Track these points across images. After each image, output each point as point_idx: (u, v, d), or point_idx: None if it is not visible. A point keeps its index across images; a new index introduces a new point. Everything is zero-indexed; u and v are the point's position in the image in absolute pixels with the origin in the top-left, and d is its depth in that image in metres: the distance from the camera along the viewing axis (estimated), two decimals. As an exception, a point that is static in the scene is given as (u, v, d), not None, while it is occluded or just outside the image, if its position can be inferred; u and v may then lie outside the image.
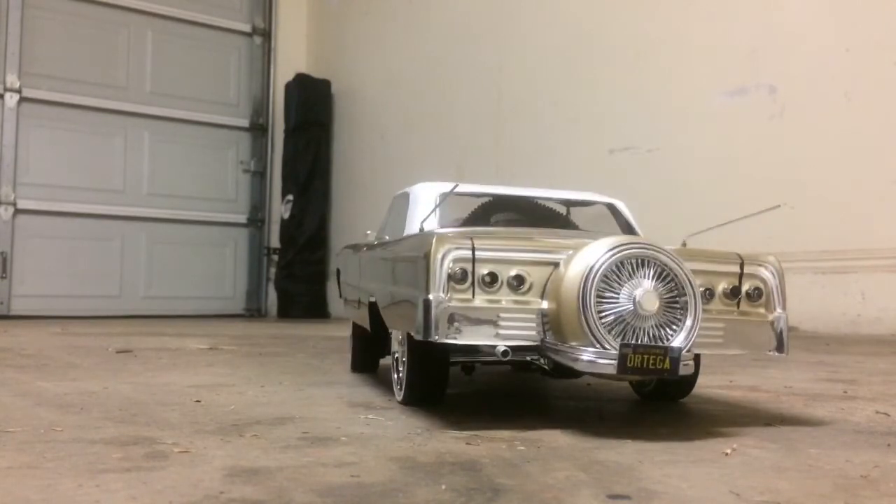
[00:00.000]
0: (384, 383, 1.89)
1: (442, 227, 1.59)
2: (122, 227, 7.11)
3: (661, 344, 1.27)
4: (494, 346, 1.34)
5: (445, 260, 1.37)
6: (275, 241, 7.80)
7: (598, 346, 1.27)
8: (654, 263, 1.33)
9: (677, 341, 1.29)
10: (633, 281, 1.31)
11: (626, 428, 1.33)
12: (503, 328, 1.35)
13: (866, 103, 4.11)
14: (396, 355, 1.61)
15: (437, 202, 1.61)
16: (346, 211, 7.62)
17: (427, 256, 1.37)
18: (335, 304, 7.57)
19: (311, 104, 7.59)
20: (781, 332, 1.47)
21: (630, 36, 5.24)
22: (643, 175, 5.11)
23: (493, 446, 1.16)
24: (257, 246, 7.87)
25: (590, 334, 1.27)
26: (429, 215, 1.64)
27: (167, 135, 7.36)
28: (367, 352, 2.12)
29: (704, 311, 1.37)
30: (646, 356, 1.26)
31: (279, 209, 7.74)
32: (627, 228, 1.84)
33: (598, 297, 1.29)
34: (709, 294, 1.44)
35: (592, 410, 1.54)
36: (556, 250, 1.40)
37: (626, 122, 5.23)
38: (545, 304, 1.37)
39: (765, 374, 2.17)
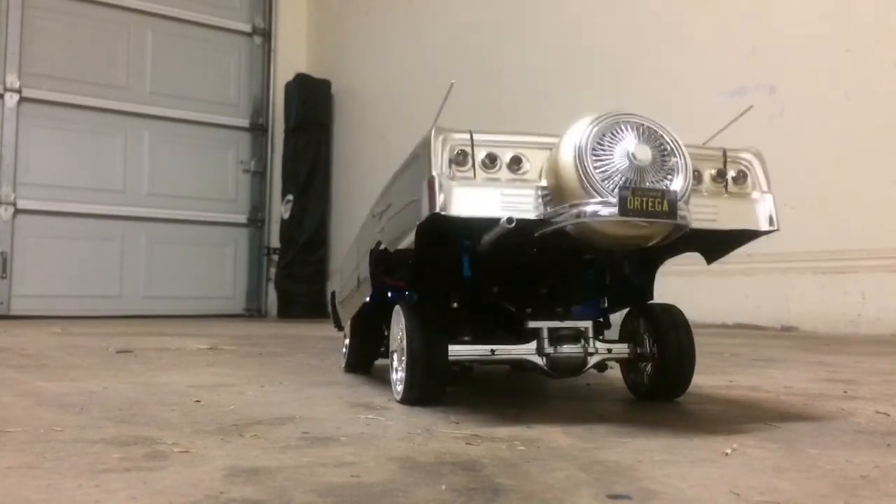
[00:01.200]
0: (384, 383, 1.89)
1: None
2: (122, 227, 7.12)
3: (657, 187, 1.34)
4: (500, 219, 1.37)
5: (446, 145, 1.42)
6: (275, 241, 7.80)
7: (598, 197, 1.32)
8: (642, 127, 1.42)
9: (673, 186, 1.35)
10: (625, 142, 1.38)
11: (626, 428, 1.33)
12: (505, 202, 1.40)
13: (866, 103, 4.11)
14: (394, 353, 1.62)
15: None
16: (346, 211, 7.62)
17: (427, 145, 1.42)
18: (335, 304, 7.56)
19: (311, 104, 7.59)
20: (772, 210, 1.58)
21: (630, 36, 5.24)
22: (643, 175, 5.09)
23: (493, 446, 1.16)
24: (257, 246, 7.88)
25: (591, 188, 1.32)
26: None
27: (167, 135, 7.37)
28: (364, 349, 2.12)
29: (695, 191, 1.45)
30: (644, 198, 1.32)
31: (279, 209, 7.74)
32: None
33: (594, 154, 1.35)
34: (697, 175, 1.50)
35: (592, 410, 1.54)
36: (551, 136, 1.48)
37: (626, 122, 5.21)
38: (544, 182, 1.42)
39: (765, 374, 2.17)
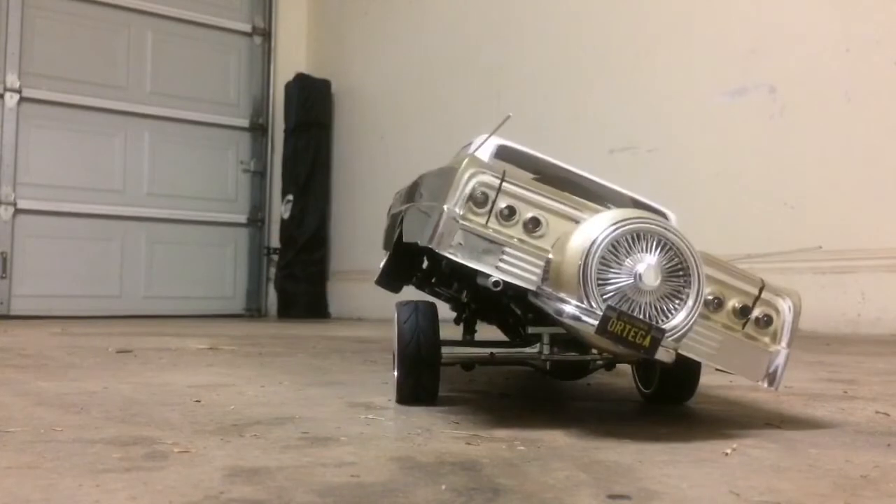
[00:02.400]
0: (384, 383, 1.89)
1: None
2: (122, 227, 7.12)
3: (647, 320, 1.25)
4: (488, 277, 1.34)
5: (471, 180, 1.37)
6: (275, 241, 7.80)
7: (585, 302, 1.26)
8: (665, 243, 1.31)
9: (667, 325, 1.26)
10: (638, 259, 1.28)
11: (626, 428, 1.33)
12: (505, 262, 1.35)
13: (866, 103, 4.12)
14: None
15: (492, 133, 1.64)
16: (346, 211, 7.63)
17: (454, 172, 1.38)
18: (335, 304, 7.57)
19: (311, 104, 7.59)
20: (777, 368, 1.38)
21: (630, 36, 5.24)
22: (643, 175, 5.11)
23: (493, 446, 1.16)
24: (257, 246, 7.88)
25: (582, 290, 1.26)
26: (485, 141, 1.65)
27: (167, 135, 7.37)
28: (395, 271, 2.15)
29: (708, 318, 1.35)
30: (628, 326, 1.24)
31: (279, 209, 7.74)
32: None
33: (601, 261, 1.27)
34: (717, 303, 1.39)
35: (592, 410, 1.54)
36: (581, 209, 1.39)
37: (626, 122, 5.23)
38: (551, 255, 1.35)
39: (765, 374, 2.17)
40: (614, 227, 1.29)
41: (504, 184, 1.37)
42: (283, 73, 7.84)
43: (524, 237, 1.36)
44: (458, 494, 0.88)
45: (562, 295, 1.28)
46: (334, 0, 8.02)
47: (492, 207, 1.36)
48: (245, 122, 7.85)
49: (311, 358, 2.70)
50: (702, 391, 1.78)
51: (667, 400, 1.61)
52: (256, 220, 7.87)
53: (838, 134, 4.20)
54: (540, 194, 1.40)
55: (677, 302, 1.28)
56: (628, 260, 1.28)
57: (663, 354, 1.25)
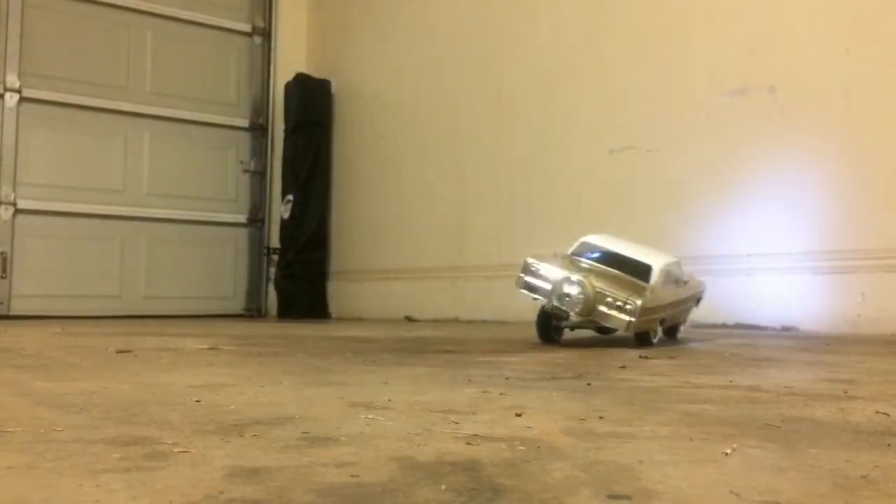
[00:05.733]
0: (384, 383, 1.89)
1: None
2: (122, 227, 7.12)
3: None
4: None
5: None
6: (275, 241, 7.80)
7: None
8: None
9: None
10: None
11: (626, 428, 1.33)
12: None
13: (866, 103, 4.12)
14: None
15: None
16: (346, 211, 7.63)
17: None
18: (335, 304, 7.58)
19: (311, 104, 7.59)
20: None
21: (630, 36, 5.24)
22: (643, 175, 5.12)
23: (493, 446, 1.16)
24: (257, 246, 7.88)
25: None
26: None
27: (167, 135, 7.38)
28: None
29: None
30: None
31: (279, 209, 7.74)
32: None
33: None
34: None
35: (593, 410, 1.54)
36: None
37: (626, 122, 5.23)
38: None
39: (765, 375, 2.17)
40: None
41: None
42: (283, 73, 7.84)
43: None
44: (458, 494, 0.88)
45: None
46: (334, 0, 8.03)
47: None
48: (245, 122, 7.85)
49: (311, 358, 2.70)
50: (702, 391, 1.78)
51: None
52: (256, 220, 7.87)
53: (838, 134, 4.20)
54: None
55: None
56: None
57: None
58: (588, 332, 3.34)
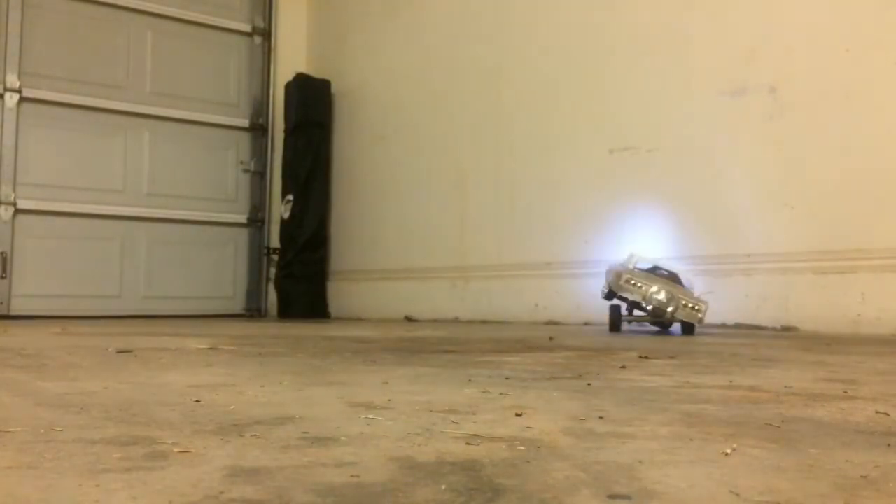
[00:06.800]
0: (384, 383, 1.90)
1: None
2: (122, 227, 7.13)
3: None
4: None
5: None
6: (275, 241, 7.80)
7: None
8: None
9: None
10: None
11: (626, 428, 1.33)
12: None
13: (866, 103, 4.12)
14: None
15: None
16: (346, 211, 7.63)
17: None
18: (335, 304, 7.58)
19: (311, 104, 7.60)
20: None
21: (630, 36, 5.24)
22: (643, 175, 5.11)
23: (493, 446, 1.16)
24: (257, 246, 7.89)
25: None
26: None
27: (167, 135, 7.38)
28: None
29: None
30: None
31: (279, 209, 7.75)
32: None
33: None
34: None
35: (593, 410, 1.54)
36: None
37: (626, 122, 5.23)
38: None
39: (765, 374, 2.17)
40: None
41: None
42: (283, 73, 7.85)
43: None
44: (458, 494, 0.88)
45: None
46: (334, 0, 8.03)
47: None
48: (245, 122, 7.86)
49: (311, 358, 2.70)
50: (702, 391, 1.78)
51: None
52: (256, 220, 7.87)
53: (838, 134, 4.20)
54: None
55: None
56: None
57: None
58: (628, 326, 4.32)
